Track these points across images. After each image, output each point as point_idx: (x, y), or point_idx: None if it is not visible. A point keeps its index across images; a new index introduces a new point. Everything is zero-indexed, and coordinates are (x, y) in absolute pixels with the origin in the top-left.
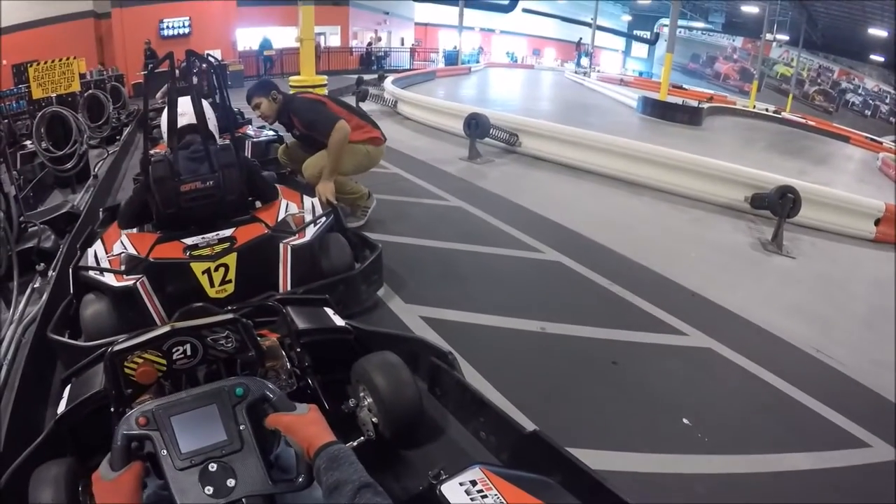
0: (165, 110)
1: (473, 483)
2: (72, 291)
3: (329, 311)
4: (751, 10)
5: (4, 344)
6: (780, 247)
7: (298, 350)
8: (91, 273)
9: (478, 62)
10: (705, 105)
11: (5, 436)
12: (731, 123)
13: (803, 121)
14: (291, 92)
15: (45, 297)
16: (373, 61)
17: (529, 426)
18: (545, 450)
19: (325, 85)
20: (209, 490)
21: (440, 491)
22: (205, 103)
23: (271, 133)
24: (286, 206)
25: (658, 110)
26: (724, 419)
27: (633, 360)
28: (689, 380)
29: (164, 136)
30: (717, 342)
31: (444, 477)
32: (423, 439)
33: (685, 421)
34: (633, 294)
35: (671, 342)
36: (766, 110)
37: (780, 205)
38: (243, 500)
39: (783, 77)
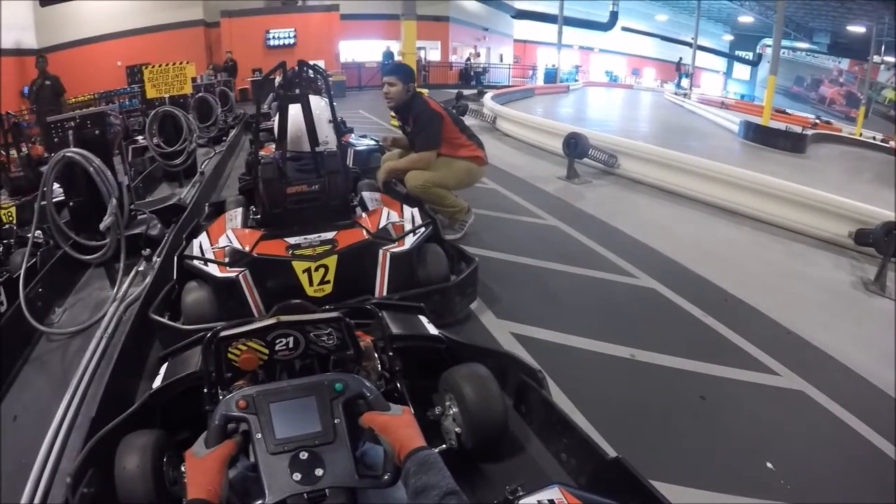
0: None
1: (551, 502)
2: (175, 277)
3: (423, 319)
4: (857, 30)
5: (106, 319)
6: (883, 288)
7: (391, 354)
8: (195, 262)
9: (576, 80)
10: (809, 132)
11: (99, 403)
12: (836, 152)
13: None
14: None
15: (148, 280)
16: (472, 76)
17: (611, 452)
18: (625, 478)
19: None
20: (297, 476)
21: None
22: (324, 105)
23: (372, 143)
24: (387, 214)
25: (760, 136)
26: (810, 468)
27: (722, 397)
28: (778, 423)
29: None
30: (811, 385)
31: (521, 493)
32: (504, 454)
33: (769, 465)
34: (726, 327)
35: (762, 381)
36: (874, 138)
37: (885, 242)
38: (327, 490)
39: (892, 102)
